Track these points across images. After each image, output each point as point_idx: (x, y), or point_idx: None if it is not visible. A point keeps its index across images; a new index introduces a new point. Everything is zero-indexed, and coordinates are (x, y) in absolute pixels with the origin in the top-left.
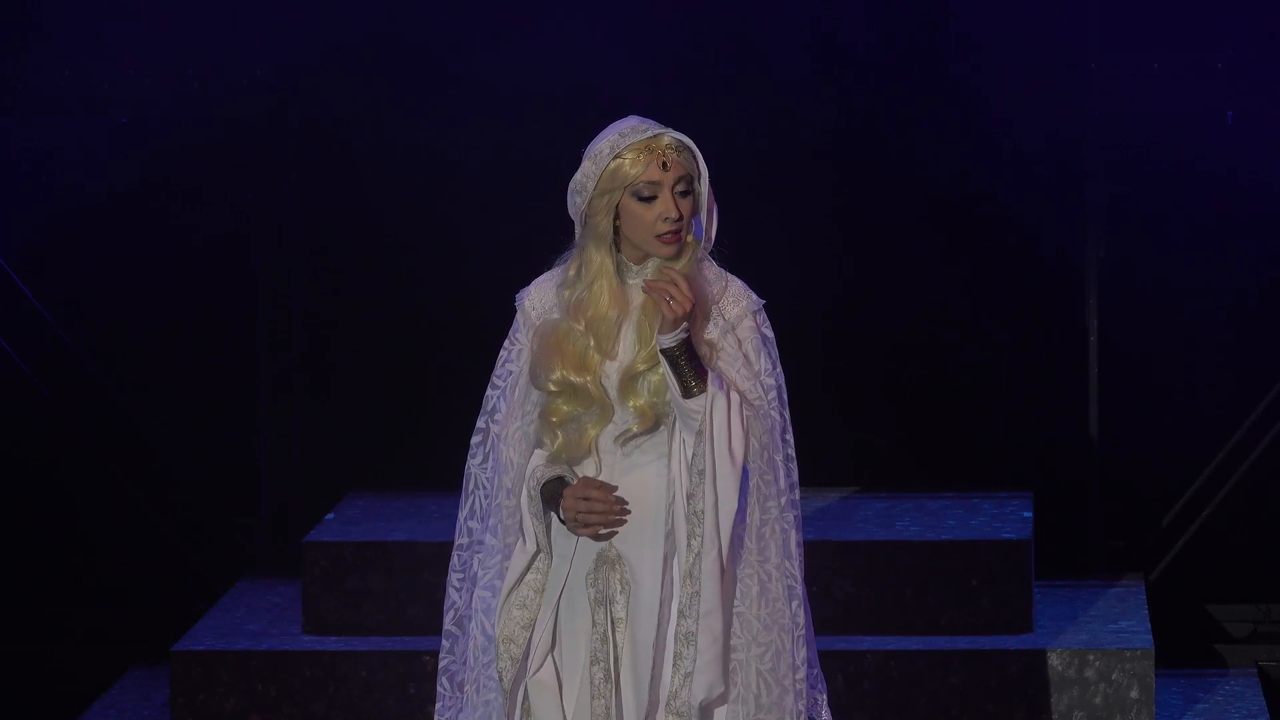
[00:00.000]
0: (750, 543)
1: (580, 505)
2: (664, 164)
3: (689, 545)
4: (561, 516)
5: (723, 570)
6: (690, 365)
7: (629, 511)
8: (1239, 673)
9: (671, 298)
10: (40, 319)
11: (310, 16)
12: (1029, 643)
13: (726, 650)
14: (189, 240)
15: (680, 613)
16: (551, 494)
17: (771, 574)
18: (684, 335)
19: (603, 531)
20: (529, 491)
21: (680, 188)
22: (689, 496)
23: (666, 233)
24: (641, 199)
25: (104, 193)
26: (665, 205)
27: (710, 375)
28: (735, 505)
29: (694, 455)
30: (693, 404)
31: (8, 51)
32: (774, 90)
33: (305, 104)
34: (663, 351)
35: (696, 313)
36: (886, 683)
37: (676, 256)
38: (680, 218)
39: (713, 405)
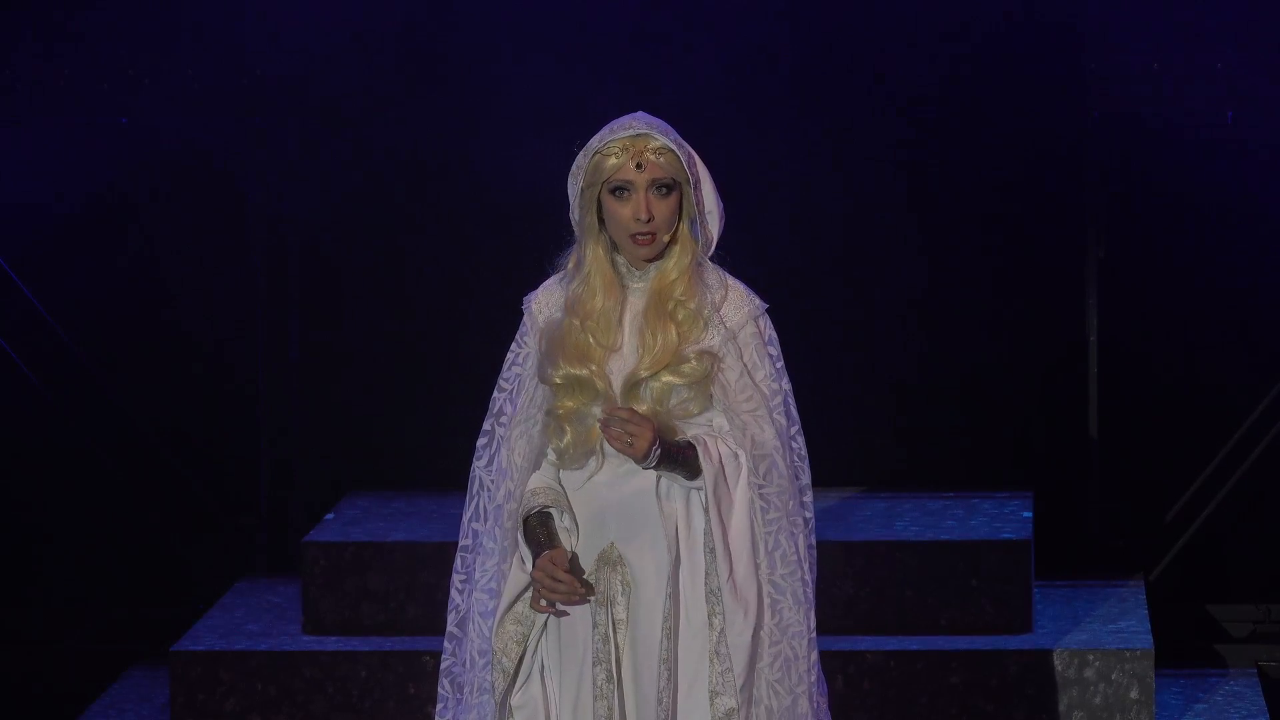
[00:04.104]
0: (759, 558)
1: (547, 581)
2: (638, 164)
3: (710, 624)
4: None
5: (753, 636)
6: (679, 459)
7: (593, 596)
8: (1239, 673)
9: (633, 436)
10: (40, 319)
11: (311, 17)
12: (1029, 643)
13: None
14: (188, 240)
15: (714, 692)
16: (532, 534)
17: (780, 583)
18: (659, 451)
19: (560, 607)
20: (518, 518)
21: (657, 190)
22: (705, 575)
23: (639, 233)
24: (615, 196)
25: (104, 193)
26: (636, 205)
27: (700, 451)
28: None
29: (705, 533)
30: (697, 483)
31: (7, 52)
32: (773, 92)
33: (306, 104)
34: (649, 469)
35: (660, 428)
36: (886, 683)
37: (651, 258)
38: (651, 219)
39: (714, 488)
